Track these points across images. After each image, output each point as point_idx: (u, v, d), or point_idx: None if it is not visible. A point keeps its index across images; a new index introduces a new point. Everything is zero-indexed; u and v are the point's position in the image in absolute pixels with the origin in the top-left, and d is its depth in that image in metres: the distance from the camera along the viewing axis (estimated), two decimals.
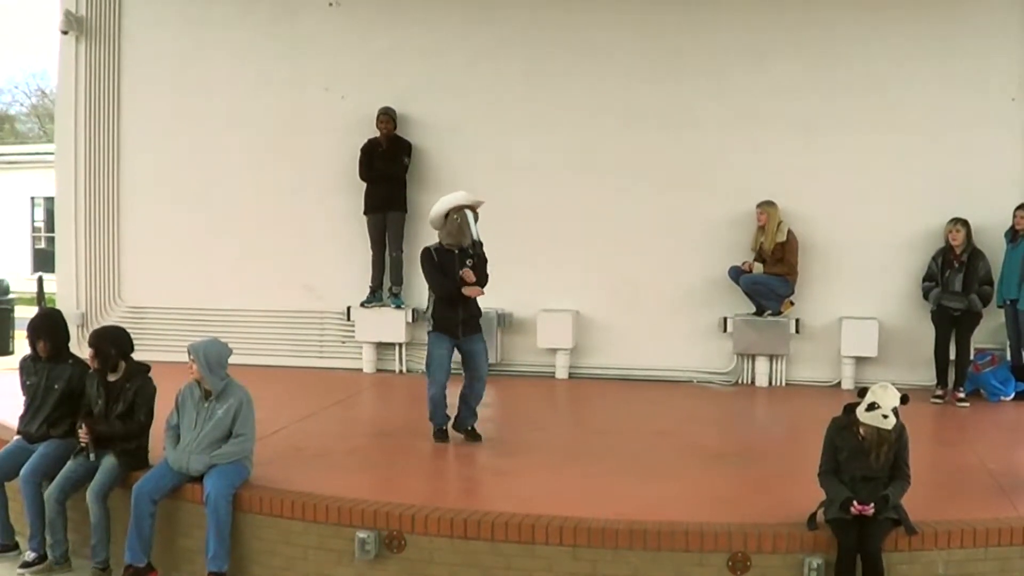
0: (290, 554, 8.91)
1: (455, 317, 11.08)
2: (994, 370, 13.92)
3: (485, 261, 11.25)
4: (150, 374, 9.77)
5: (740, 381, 15.05)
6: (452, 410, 11.42)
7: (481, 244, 11.10)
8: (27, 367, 10.20)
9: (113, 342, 9.76)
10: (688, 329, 15.15)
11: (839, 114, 14.65)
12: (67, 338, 10.42)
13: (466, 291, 10.99)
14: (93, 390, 9.69)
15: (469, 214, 11.03)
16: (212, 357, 9.31)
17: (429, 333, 11.34)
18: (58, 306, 16.60)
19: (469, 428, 11.42)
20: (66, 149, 16.88)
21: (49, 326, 10.23)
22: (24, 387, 10.16)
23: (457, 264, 11.03)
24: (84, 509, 9.30)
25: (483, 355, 11.33)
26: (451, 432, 11.43)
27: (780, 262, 14.45)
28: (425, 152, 15.70)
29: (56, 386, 9.96)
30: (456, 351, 11.30)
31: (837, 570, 7.91)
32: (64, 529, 9.48)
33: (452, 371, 11.29)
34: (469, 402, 11.38)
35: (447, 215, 11.06)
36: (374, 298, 15.72)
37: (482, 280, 11.19)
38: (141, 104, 16.60)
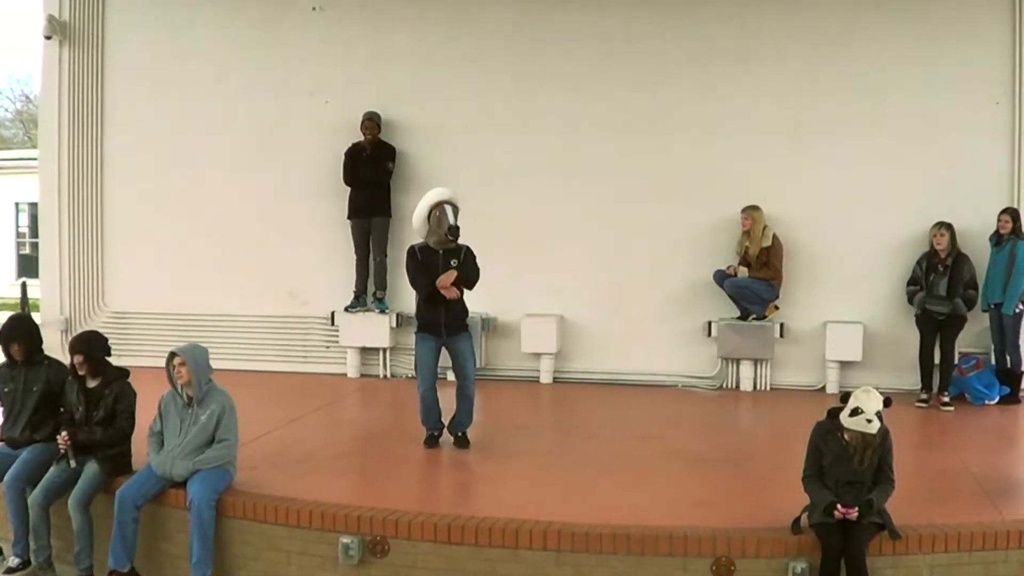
0: (274, 559, 8.90)
1: (438, 318, 11.08)
2: (978, 374, 13.94)
3: (473, 258, 11.21)
4: (129, 379, 9.77)
5: (724, 385, 15.05)
6: (448, 414, 11.42)
7: (457, 229, 10.98)
8: (2, 374, 10.18)
9: (100, 346, 9.79)
10: (672, 333, 15.16)
11: (824, 119, 14.69)
12: (40, 340, 10.41)
13: (444, 292, 10.97)
14: (73, 397, 9.68)
15: (448, 208, 11.01)
16: (200, 361, 9.35)
17: (416, 334, 11.34)
18: (42, 312, 16.57)
19: (459, 434, 11.38)
20: (49, 154, 16.81)
21: (22, 330, 10.23)
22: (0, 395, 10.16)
23: (441, 264, 11.02)
24: (68, 515, 9.29)
25: (469, 353, 11.28)
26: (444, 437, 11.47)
27: (765, 266, 14.45)
28: (409, 157, 15.68)
29: (35, 388, 9.96)
30: (446, 350, 11.31)
31: (821, 574, 7.91)
32: (48, 535, 9.46)
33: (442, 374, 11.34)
34: (463, 404, 11.33)
35: (428, 215, 11.05)
36: (358, 303, 15.70)
37: (471, 277, 11.15)
38: (125, 109, 16.54)
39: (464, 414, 11.36)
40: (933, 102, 14.39)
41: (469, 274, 11.14)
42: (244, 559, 9.04)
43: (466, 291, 11.20)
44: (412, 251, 11.20)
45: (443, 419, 11.44)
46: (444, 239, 10.98)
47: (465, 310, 11.30)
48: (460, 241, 11.14)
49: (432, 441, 11.37)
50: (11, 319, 10.52)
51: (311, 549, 8.76)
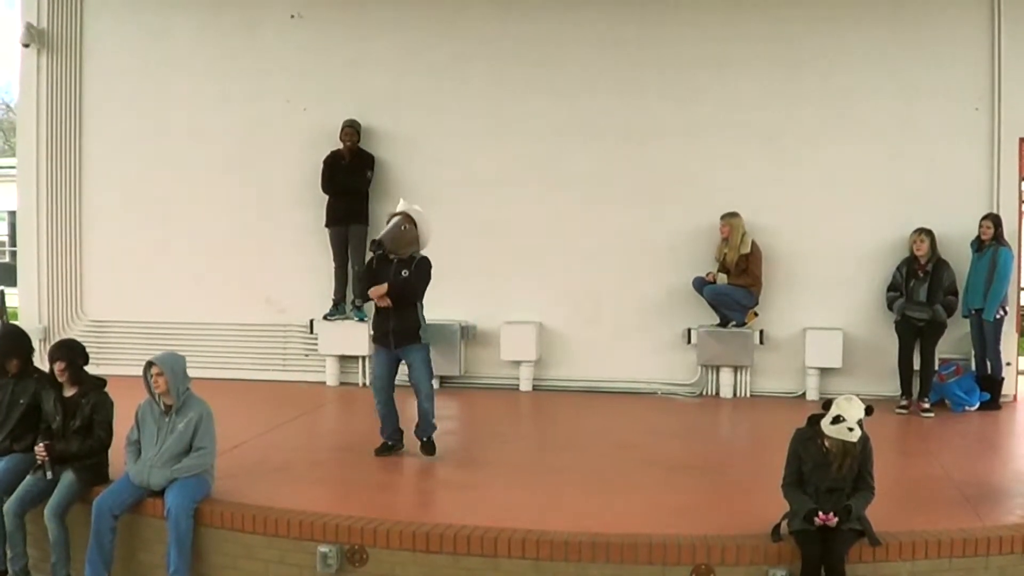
0: (252, 569, 8.86)
1: (386, 327, 11.00)
2: (958, 380, 13.93)
3: (423, 268, 11.04)
4: (106, 388, 9.72)
5: (704, 392, 15.04)
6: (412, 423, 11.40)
7: (376, 243, 10.90)
8: None
9: (81, 354, 9.77)
10: (652, 341, 15.15)
11: (803, 125, 14.72)
12: (31, 352, 10.37)
13: (372, 292, 10.91)
14: (50, 406, 9.62)
15: (393, 220, 11.02)
16: (179, 369, 9.29)
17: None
18: (20, 320, 16.49)
19: (423, 440, 11.29)
20: (28, 163, 16.75)
21: (18, 343, 10.22)
22: None
23: (393, 273, 10.92)
24: (45, 525, 9.21)
25: (420, 366, 11.09)
26: (410, 444, 11.40)
27: (744, 273, 14.44)
28: (388, 165, 15.64)
29: (22, 401, 9.91)
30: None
31: None
32: (24, 543, 9.38)
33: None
34: (421, 415, 11.22)
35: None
36: (337, 311, 15.65)
37: (404, 293, 10.91)
38: (103, 117, 16.51)
39: (424, 423, 11.26)
40: (912, 108, 14.44)
41: (401, 289, 10.92)
42: (222, 568, 9.00)
43: (423, 303, 11.16)
44: (370, 260, 11.25)
45: (402, 428, 11.40)
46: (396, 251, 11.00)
47: (416, 322, 11.08)
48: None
49: (383, 450, 11.33)
50: (6, 332, 10.53)
51: (289, 558, 8.72)
